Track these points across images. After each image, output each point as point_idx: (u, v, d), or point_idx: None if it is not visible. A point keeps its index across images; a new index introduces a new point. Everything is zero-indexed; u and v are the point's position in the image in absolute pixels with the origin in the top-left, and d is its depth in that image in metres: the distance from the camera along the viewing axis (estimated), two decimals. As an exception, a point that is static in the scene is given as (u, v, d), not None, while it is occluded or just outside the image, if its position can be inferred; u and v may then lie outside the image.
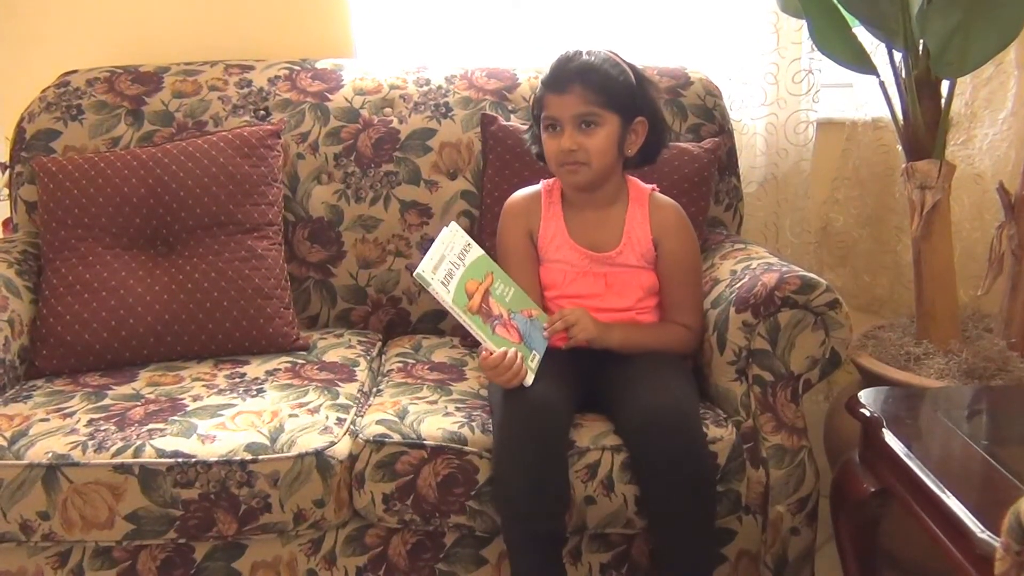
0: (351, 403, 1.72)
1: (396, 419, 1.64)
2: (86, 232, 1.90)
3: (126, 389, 1.75)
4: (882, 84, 1.95)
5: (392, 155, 2.09)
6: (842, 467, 1.61)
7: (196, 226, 1.92)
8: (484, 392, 1.74)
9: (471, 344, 1.95)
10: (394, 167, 2.08)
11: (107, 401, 1.71)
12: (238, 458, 1.54)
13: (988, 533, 1.15)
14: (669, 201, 1.83)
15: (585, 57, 1.70)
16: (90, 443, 1.56)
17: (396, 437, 1.60)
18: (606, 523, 1.60)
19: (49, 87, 2.11)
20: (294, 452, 1.56)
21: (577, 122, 1.69)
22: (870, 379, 1.90)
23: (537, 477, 1.54)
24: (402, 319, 2.10)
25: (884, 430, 1.46)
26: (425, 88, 2.13)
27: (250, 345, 1.89)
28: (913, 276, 2.01)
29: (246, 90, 2.12)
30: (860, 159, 2.28)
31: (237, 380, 1.78)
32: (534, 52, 2.24)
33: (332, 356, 1.90)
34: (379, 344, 2.04)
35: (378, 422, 1.63)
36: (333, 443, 1.59)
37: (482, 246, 1.72)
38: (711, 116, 2.11)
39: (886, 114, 2.01)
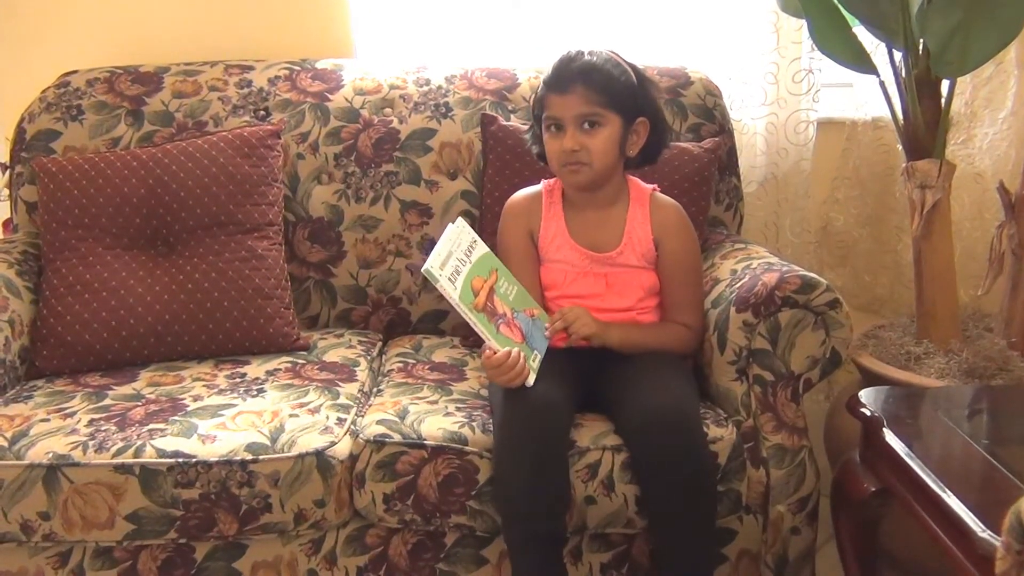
0: (351, 403, 1.72)
1: (397, 419, 1.64)
2: (86, 232, 1.90)
3: (127, 389, 1.75)
4: (882, 84, 1.95)
5: (392, 155, 2.09)
6: (842, 467, 1.61)
7: (196, 226, 1.92)
8: (484, 392, 1.74)
9: (471, 344, 1.95)
10: (394, 167, 2.08)
11: (108, 401, 1.71)
12: (239, 458, 1.54)
13: (989, 532, 1.15)
14: (670, 201, 1.83)
15: (587, 57, 1.70)
16: (91, 443, 1.56)
17: (397, 437, 1.60)
18: (606, 523, 1.60)
19: (49, 87, 2.11)
20: (295, 452, 1.56)
21: (579, 122, 1.69)
22: (870, 379, 1.90)
23: (537, 477, 1.53)
24: (402, 319, 2.10)
25: (885, 430, 1.46)
26: (425, 88, 2.13)
27: (250, 345, 1.89)
28: (913, 275, 2.01)
29: (246, 90, 2.12)
30: (860, 159, 2.28)
31: (237, 380, 1.78)
32: (534, 52, 2.24)
33: (332, 356, 1.90)
34: (379, 344, 2.04)
35: (378, 422, 1.63)
36: (334, 443, 1.59)
37: (483, 245, 1.73)
38: (711, 116, 2.11)
39: (886, 114, 2.01)
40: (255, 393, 1.72)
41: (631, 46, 1.90)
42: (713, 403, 1.73)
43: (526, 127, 1.91)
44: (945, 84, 1.91)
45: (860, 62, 1.95)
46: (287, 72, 2.16)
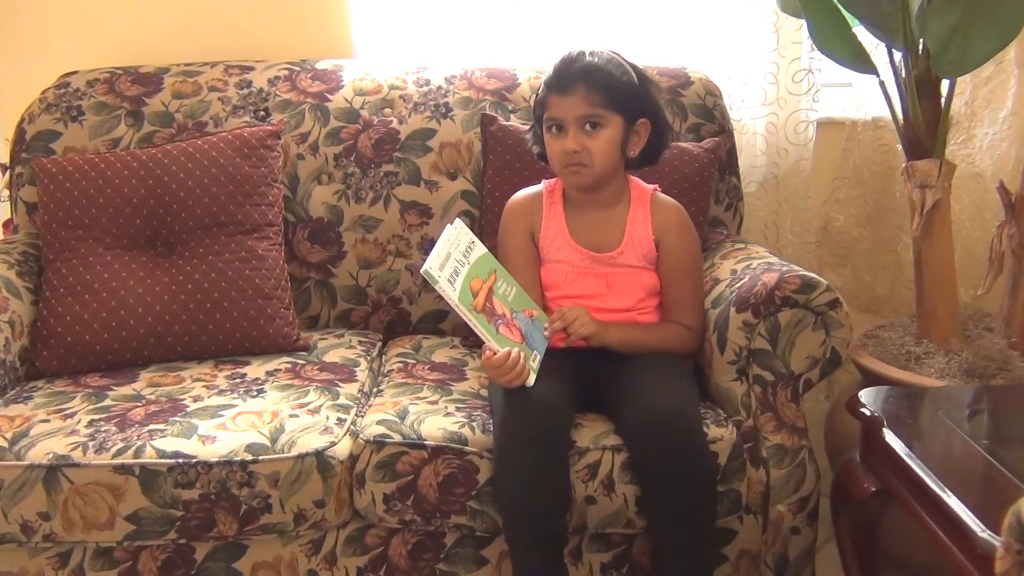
0: (351, 403, 1.72)
1: (397, 419, 1.64)
2: (86, 233, 1.90)
3: (127, 390, 1.75)
4: (882, 83, 1.95)
5: (392, 155, 2.09)
6: (843, 467, 1.61)
7: (196, 227, 1.92)
8: (484, 392, 1.74)
9: (471, 344, 1.95)
10: (394, 167, 2.08)
11: (108, 402, 1.71)
12: (239, 458, 1.54)
13: (989, 532, 1.15)
14: (671, 201, 1.83)
15: (589, 58, 1.70)
16: (91, 444, 1.56)
17: (397, 437, 1.60)
18: (607, 523, 1.60)
19: (49, 88, 2.11)
20: (294, 452, 1.56)
21: (581, 123, 1.69)
22: (871, 379, 1.90)
23: (538, 477, 1.54)
24: (402, 319, 2.10)
25: (885, 430, 1.46)
26: (425, 88, 2.13)
27: (250, 346, 1.89)
28: (914, 275, 2.01)
29: (246, 91, 2.12)
30: (860, 158, 2.28)
31: (237, 381, 1.78)
32: (534, 52, 2.23)
33: (332, 356, 1.90)
34: (379, 344, 2.04)
35: (379, 422, 1.63)
36: (334, 443, 1.59)
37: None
38: (711, 116, 2.11)
39: (886, 113, 2.01)
40: (255, 393, 1.72)
41: (631, 46, 1.89)
42: (713, 403, 1.73)
43: (526, 127, 1.91)
44: (945, 84, 1.91)
45: (860, 62, 1.95)
46: (287, 72, 2.16)
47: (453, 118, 2.10)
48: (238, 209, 1.93)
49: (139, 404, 1.69)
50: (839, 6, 1.90)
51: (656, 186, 1.84)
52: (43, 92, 2.11)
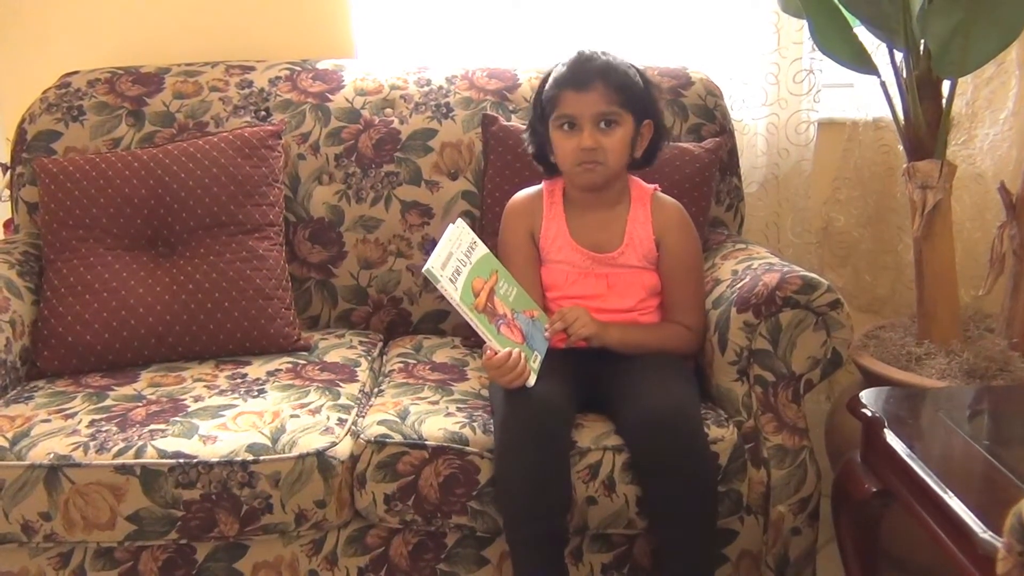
0: (352, 403, 1.72)
1: (397, 419, 1.64)
2: (87, 233, 1.90)
3: (127, 390, 1.75)
4: (883, 84, 1.95)
5: (393, 155, 2.09)
6: (843, 467, 1.61)
7: (197, 227, 1.92)
8: (485, 392, 1.74)
9: (472, 344, 1.95)
10: (395, 167, 2.08)
11: (108, 402, 1.71)
12: (239, 459, 1.54)
13: (990, 533, 1.15)
14: (672, 201, 1.83)
15: (605, 57, 1.71)
16: (92, 444, 1.56)
17: (397, 437, 1.60)
18: (607, 523, 1.60)
19: (50, 88, 2.12)
20: (295, 453, 1.56)
21: (597, 121, 1.69)
22: (871, 379, 1.90)
23: (539, 477, 1.54)
24: (403, 319, 2.10)
25: (885, 430, 1.46)
26: (426, 88, 2.13)
27: (251, 346, 1.89)
28: (914, 276, 2.01)
29: (247, 91, 2.12)
30: (861, 159, 2.28)
31: (238, 381, 1.78)
32: (535, 52, 2.24)
33: (333, 356, 1.90)
34: (380, 344, 2.04)
35: (379, 422, 1.64)
36: (334, 443, 1.59)
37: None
38: (712, 116, 2.11)
39: (887, 114, 2.01)
40: (256, 394, 1.72)
41: (632, 46, 1.90)
42: (714, 403, 1.73)
43: (525, 127, 1.91)
44: (946, 84, 1.91)
45: (861, 62, 1.95)
46: (288, 72, 2.16)
47: (454, 118, 2.10)
48: (239, 209, 1.93)
49: (140, 404, 1.69)
50: (840, 6, 1.90)
51: (656, 186, 1.84)
52: (44, 92, 2.11)
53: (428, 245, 2.05)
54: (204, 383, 1.77)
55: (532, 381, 1.57)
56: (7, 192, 2.13)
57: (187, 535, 1.57)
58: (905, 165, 1.95)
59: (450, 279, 1.56)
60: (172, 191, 1.93)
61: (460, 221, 1.68)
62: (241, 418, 1.63)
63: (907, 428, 1.50)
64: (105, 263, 1.88)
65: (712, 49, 2.24)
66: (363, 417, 1.68)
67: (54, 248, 1.90)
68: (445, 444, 1.59)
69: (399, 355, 1.95)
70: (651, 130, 1.76)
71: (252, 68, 2.16)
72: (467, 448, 1.59)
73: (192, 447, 1.56)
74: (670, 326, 1.78)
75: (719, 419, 1.67)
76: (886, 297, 2.33)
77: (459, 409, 1.68)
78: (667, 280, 1.79)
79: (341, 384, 1.78)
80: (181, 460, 1.54)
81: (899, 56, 1.92)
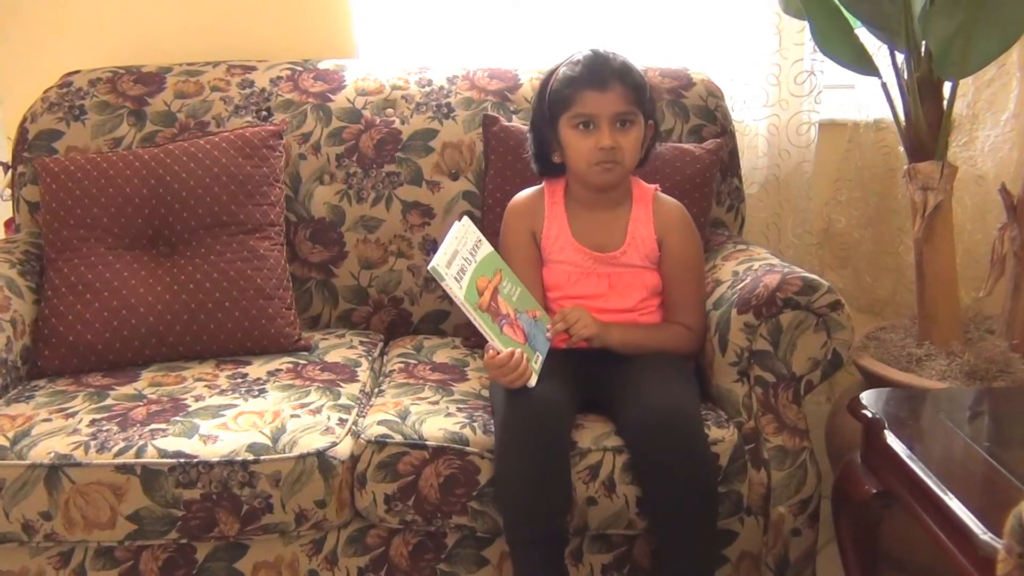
0: (353, 403, 1.72)
1: (398, 419, 1.64)
2: (88, 232, 1.90)
3: (128, 389, 1.75)
4: (884, 85, 1.95)
5: (394, 156, 2.09)
6: (844, 468, 1.61)
7: (198, 226, 1.92)
8: (486, 393, 1.74)
9: (472, 345, 1.95)
10: (396, 168, 2.08)
11: (109, 401, 1.71)
12: (240, 458, 1.54)
13: (990, 535, 1.15)
14: (673, 201, 1.84)
15: (621, 57, 1.72)
16: (92, 443, 1.56)
17: (398, 437, 1.60)
18: (608, 524, 1.60)
19: (52, 87, 2.12)
20: (296, 452, 1.56)
21: (614, 121, 1.70)
22: (872, 380, 1.90)
23: (539, 478, 1.54)
24: (404, 319, 2.10)
25: (886, 431, 1.46)
26: (427, 89, 2.14)
27: (252, 345, 1.89)
28: (915, 277, 2.01)
29: (248, 91, 2.12)
30: (862, 160, 2.28)
31: (239, 380, 1.78)
32: (536, 52, 2.24)
33: (334, 356, 1.90)
34: (381, 344, 2.04)
35: (380, 422, 1.64)
36: (335, 443, 1.59)
37: (484, 247, 1.73)
38: (713, 117, 2.11)
39: (888, 115, 2.01)
40: (256, 393, 1.72)
41: (633, 47, 1.90)
42: (714, 404, 1.73)
43: (527, 128, 1.90)
44: (947, 86, 1.91)
45: (862, 64, 1.95)
46: (289, 72, 2.16)
47: (455, 118, 2.11)
48: (240, 209, 1.94)
49: (140, 404, 1.69)
50: (841, 8, 1.90)
51: (657, 186, 1.84)
52: (45, 91, 2.11)
53: (429, 245, 2.05)
54: (205, 383, 1.77)
55: (533, 382, 1.57)
56: (8, 191, 2.13)
57: (187, 535, 1.57)
58: (906, 166, 1.95)
59: (455, 277, 1.55)
60: (173, 191, 1.93)
61: (466, 219, 1.68)
62: (241, 418, 1.63)
63: (907, 429, 1.50)
64: (106, 262, 1.88)
65: (713, 50, 2.24)
66: (363, 417, 1.68)
67: (55, 247, 1.90)
68: (445, 444, 1.59)
69: (400, 355, 1.95)
70: (651, 130, 1.77)
71: (253, 68, 2.17)
72: (467, 448, 1.59)
73: (192, 447, 1.56)
74: (671, 326, 1.78)
75: (719, 420, 1.67)
76: (887, 298, 2.33)
77: (459, 409, 1.68)
78: (668, 280, 1.79)
79: (342, 384, 1.78)
80: (181, 460, 1.54)
81: (900, 57, 1.92)
